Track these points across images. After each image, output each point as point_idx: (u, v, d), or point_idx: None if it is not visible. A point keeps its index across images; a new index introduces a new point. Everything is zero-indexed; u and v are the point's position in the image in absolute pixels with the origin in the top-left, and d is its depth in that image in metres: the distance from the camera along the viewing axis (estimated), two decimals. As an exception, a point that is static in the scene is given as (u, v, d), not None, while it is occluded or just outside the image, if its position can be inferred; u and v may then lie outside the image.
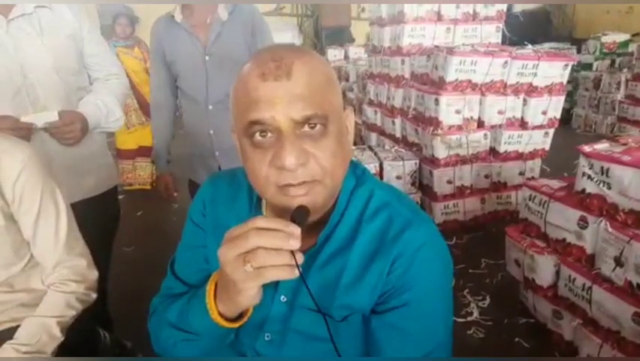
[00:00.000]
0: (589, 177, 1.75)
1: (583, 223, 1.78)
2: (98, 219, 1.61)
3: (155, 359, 0.88)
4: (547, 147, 3.26)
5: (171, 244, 0.92)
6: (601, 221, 1.70)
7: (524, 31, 6.11)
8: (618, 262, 1.64)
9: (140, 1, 3.93)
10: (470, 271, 2.64)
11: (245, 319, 0.70)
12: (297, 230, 0.59)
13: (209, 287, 0.68)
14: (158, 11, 1.85)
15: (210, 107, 1.78)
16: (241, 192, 0.83)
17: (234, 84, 0.68)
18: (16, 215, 1.09)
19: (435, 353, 0.71)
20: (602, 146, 1.77)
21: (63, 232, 1.14)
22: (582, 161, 1.78)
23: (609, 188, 1.68)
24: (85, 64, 1.62)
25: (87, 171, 1.60)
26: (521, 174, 3.26)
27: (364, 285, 0.71)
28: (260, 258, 0.57)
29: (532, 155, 3.26)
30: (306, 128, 0.63)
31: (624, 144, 1.76)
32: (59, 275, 1.13)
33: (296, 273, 0.58)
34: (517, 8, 7.31)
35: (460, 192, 3.14)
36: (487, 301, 2.37)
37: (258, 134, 0.64)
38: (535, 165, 3.31)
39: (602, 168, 1.69)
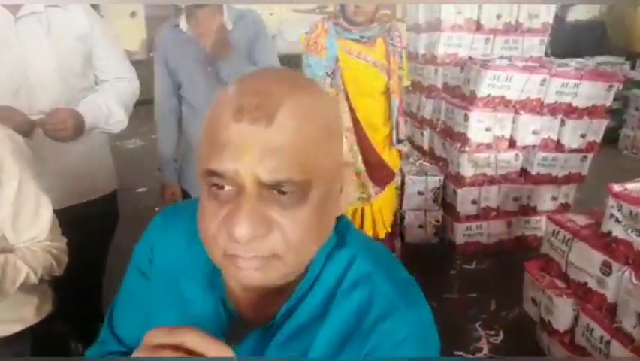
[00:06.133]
0: (617, 219, 1.58)
1: (606, 269, 1.61)
2: (95, 224, 1.58)
3: None
4: (584, 172, 3.03)
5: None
6: (625, 270, 1.53)
7: (576, 43, 5.76)
8: (642, 318, 1.48)
9: (147, 2, 3.93)
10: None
11: None
12: None
13: None
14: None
15: None
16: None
17: (209, 112, 0.54)
18: None
19: None
20: (634, 185, 1.59)
21: (45, 216, 1.08)
22: (611, 201, 1.61)
23: (638, 235, 1.51)
24: (93, 66, 1.59)
25: (85, 172, 1.57)
26: (554, 198, 3.05)
27: None
28: None
29: (568, 179, 3.04)
30: (275, 192, 0.49)
31: (662, 186, 1.58)
32: (36, 239, 1.07)
33: None
34: (572, 17, 6.90)
35: (485, 213, 2.97)
36: (501, 336, 2.22)
37: (214, 186, 0.50)
38: (571, 190, 3.09)
39: (631, 212, 1.52)
